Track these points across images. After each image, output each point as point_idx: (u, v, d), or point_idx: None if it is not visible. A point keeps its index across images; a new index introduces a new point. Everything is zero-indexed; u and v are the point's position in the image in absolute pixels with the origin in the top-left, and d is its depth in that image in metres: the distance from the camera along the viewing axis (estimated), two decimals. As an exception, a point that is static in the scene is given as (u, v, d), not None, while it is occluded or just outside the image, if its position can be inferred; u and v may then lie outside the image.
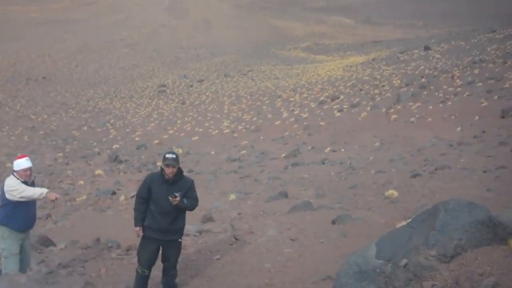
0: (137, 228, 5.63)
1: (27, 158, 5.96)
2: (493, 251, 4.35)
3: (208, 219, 9.28)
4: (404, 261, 4.46)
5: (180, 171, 5.57)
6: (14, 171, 5.86)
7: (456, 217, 4.55)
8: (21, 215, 5.80)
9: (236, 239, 7.61)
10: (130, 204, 11.82)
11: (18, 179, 5.78)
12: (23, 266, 6.00)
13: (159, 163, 21.44)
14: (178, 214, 5.59)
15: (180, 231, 5.73)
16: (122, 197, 12.59)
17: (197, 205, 5.76)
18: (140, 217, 5.61)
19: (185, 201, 5.51)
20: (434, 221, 4.63)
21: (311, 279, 5.83)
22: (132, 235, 8.49)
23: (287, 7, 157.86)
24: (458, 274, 4.15)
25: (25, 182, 5.82)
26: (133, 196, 13.08)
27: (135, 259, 6.88)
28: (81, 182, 16.10)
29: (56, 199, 5.80)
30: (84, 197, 13.11)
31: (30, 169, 5.89)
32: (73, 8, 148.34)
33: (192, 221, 9.26)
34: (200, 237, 7.88)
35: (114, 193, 13.31)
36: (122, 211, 11.06)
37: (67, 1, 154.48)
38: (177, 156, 5.55)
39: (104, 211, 11.11)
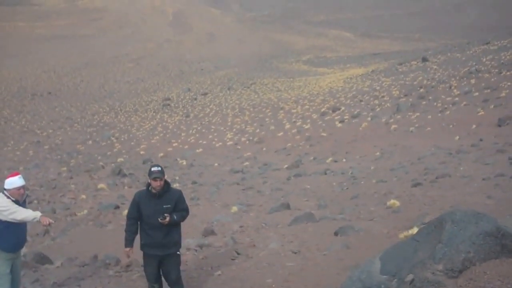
0: (127, 249, 5.49)
1: (19, 176, 5.57)
2: (502, 264, 4.11)
3: (209, 232, 9.01)
4: (410, 276, 4.19)
5: (166, 183, 5.40)
6: (5, 189, 5.45)
7: (463, 228, 4.29)
8: (11, 236, 5.45)
9: (238, 253, 7.35)
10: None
11: (9, 197, 5.42)
12: (14, 287, 5.69)
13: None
14: (170, 227, 5.40)
15: (177, 244, 5.55)
16: (125, 212, 12.30)
17: (187, 215, 5.63)
18: (131, 238, 5.49)
19: (174, 217, 5.35)
20: (440, 233, 4.37)
21: (314, 294, 5.57)
22: (132, 250, 8.30)
23: (289, 21, 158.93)
24: (467, 289, 3.91)
25: (17, 201, 5.46)
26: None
27: (134, 276, 6.66)
28: (83, 196, 15.72)
29: (49, 224, 5.49)
30: (85, 211, 12.75)
31: (23, 187, 5.53)
32: (79, 24, 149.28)
33: (193, 235, 9.00)
34: (201, 251, 7.60)
35: (117, 207, 13.01)
36: (123, 226, 10.70)
37: (73, 17, 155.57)
38: (162, 168, 5.41)
39: (104, 226, 10.77)
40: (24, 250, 7.03)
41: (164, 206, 5.29)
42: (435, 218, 7.71)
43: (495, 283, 3.85)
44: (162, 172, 5.31)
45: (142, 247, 5.46)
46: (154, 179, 5.24)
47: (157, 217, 5.24)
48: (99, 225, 10.91)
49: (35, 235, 10.12)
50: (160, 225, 5.29)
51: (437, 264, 4.14)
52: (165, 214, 5.23)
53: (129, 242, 5.47)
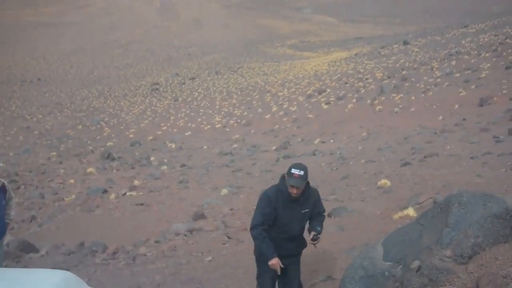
0: (276, 260, 3.99)
1: None
2: (513, 249, 3.70)
3: (199, 216, 8.52)
4: (416, 263, 3.76)
5: (307, 184, 4.04)
6: None
7: (470, 211, 3.86)
8: None
9: (229, 237, 6.90)
10: (121, 203, 11.00)
11: None
12: None
13: (153, 158, 20.86)
14: (302, 235, 4.28)
15: (302, 250, 4.43)
16: (112, 195, 11.70)
17: (324, 218, 4.34)
18: (273, 248, 4.03)
19: (319, 229, 4.10)
20: (446, 216, 3.93)
21: (311, 281, 5.13)
22: (120, 235, 7.79)
23: (273, 6, 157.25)
24: (479, 276, 3.50)
25: None
26: (125, 193, 12.25)
27: (121, 264, 6.14)
28: (72, 181, 15.07)
29: None
30: (73, 196, 12.13)
31: None
32: (67, 11, 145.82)
33: (183, 219, 8.52)
34: (191, 236, 7.11)
35: (105, 191, 12.44)
36: (111, 210, 10.16)
37: (60, 5, 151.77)
38: (306, 171, 3.93)
39: (92, 211, 10.20)
40: (8, 238, 6.51)
41: (302, 212, 4.06)
42: (431, 198, 7.39)
43: (508, 269, 3.46)
44: (305, 177, 3.91)
45: (261, 257, 4.19)
46: (292, 186, 3.90)
47: (295, 224, 4.09)
48: (87, 210, 10.35)
49: (21, 221, 9.53)
50: (296, 235, 4.17)
51: (445, 249, 3.71)
52: (315, 233, 4.05)
53: (274, 252, 4.02)
